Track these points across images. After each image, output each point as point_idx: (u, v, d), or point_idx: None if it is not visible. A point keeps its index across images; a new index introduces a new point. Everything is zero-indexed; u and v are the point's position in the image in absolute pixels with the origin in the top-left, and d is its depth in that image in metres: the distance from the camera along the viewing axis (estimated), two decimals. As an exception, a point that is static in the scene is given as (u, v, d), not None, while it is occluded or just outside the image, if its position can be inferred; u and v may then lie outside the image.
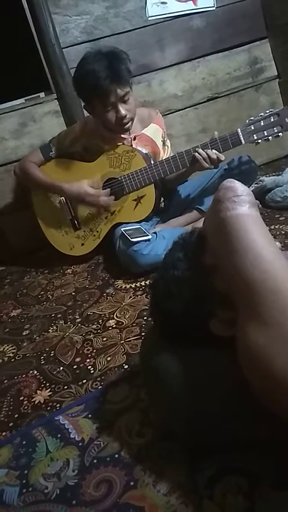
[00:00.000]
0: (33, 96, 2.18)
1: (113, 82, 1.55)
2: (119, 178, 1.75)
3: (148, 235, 1.64)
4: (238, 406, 0.71)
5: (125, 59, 1.59)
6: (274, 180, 1.93)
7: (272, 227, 1.68)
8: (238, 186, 0.72)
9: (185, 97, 2.34)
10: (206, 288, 0.73)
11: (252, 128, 1.61)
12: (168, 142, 1.90)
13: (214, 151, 1.63)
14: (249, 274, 0.64)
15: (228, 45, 2.34)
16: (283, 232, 1.62)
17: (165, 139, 1.88)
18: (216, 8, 2.25)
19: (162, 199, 1.88)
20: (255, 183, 1.97)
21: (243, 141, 1.62)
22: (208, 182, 1.86)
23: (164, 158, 1.82)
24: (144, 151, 1.78)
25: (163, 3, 2.18)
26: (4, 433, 1.03)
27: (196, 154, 1.63)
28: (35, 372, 1.25)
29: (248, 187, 0.81)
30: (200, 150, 1.63)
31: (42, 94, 2.18)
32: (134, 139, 1.78)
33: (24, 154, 1.98)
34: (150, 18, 2.18)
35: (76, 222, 1.89)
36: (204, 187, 1.86)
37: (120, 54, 1.59)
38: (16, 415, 1.08)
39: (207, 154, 1.62)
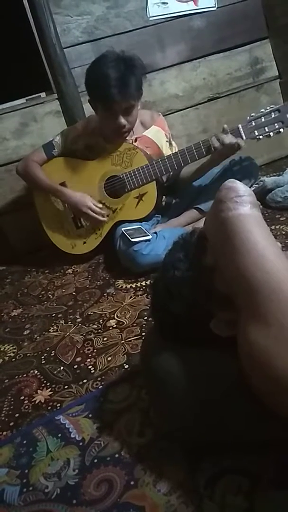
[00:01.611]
0: (34, 96, 2.18)
1: (120, 94, 1.56)
2: (121, 176, 1.75)
3: (148, 235, 1.64)
4: (238, 406, 0.71)
5: (139, 71, 1.60)
6: (275, 180, 1.94)
7: (273, 227, 1.68)
8: (240, 186, 0.72)
9: (185, 97, 2.34)
10: (207, 288, 0.73)
11: (253, 124, 1.61)
12: (174, 143, 1.90)
13: (230, 135, 1.59)
14: (251, 274, 0.63)
15: (229, 45, 2.34)
16: (283, 232, 1.62)
17: (171, 140, 1.88)
18: (217, 8, 2.25)
19: (164, 197, 1.88)
20: (256, 184, 1.97)
21: (244, 137, 1.61)
22: (208, 182, 1.85)
23: None
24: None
25: (164, 3, 2.18)
26: (4, 433, 1.03)
27: (215, 140, 1.60)
28: (36, 371, 1.25)
29: (249, 187, 0.81)
30: (219, 136, 1.60)
31: (43, 94, 2.19)
32: (135, 140, 1.78)
33: (25, 154, 1.98)
34: (151, 18, 2.18)
35: (78, 221, 1.89)
36: (205, 187, 1.86)
37: (136, 66, 1.59)
38: (16, 415, 1.09)
39: (224, 140, 1.58)
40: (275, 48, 2.41)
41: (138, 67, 1.61)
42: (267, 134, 1.61)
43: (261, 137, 1.62)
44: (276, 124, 1.60)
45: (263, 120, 1.61)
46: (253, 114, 1.63)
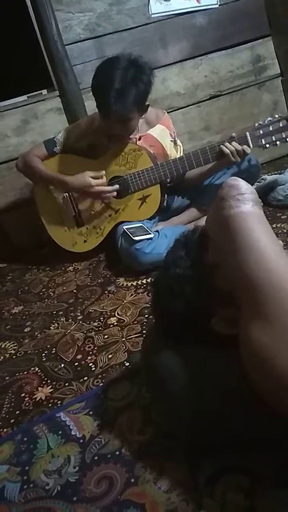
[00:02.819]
0: (35, 93, 2.18)
1: (116, 106, 1.51)
2: (125, 177, 1.74)
3: (150, 234, 1.64)
4: (239, 404, 0.71)
5: (145, 85, 1.55)
6: (276, 178, 1.93)
7: (274, 225, 1.67)
8: (242, 184, 0.72)
9: (187, 95, 2.33)
10: (208, 286, 0.73)
11: (261, 132, 1.62)
12: (179, 142, 1.89)
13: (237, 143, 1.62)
14: (253, 272, 0.63)
15: (231, 43, 2.33)
16: (285, 231, 1.62)
17: (176, 139, 1.87)
18: (219, 5, 2.25)
19: (166, 196, 1.87)
20: (257, 182, 1.97)
21: (251, 145, 1.62)
22: (210, 181, 1.85)
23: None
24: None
25: (166, 0, 2.17)
26: (5, 430, 1.04)
27: (224, 148, 1.61)
28: (37, 369, 1.25)
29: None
30: (227, 144, 1.62)
31: (44, 91, 2.18)
32: (139, 139, 1.77)
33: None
34: (153, 16, 2.18)
35: (79, 219, 1.88)
36: (207, 185, 1.85)
37: (142, 80, 1.53)
38: (17, 412, 1.09)
39: (233, 147, 1.61)
40: (277, 46, 2.40)
41: (145, 81, 1.55)
42: (274, 143, 1.62)
43: (268, 145, 1.63)
44: (283, 134, 1.61)
45: (270, 128, 1.61)
46: (260, 122, 1.63)
